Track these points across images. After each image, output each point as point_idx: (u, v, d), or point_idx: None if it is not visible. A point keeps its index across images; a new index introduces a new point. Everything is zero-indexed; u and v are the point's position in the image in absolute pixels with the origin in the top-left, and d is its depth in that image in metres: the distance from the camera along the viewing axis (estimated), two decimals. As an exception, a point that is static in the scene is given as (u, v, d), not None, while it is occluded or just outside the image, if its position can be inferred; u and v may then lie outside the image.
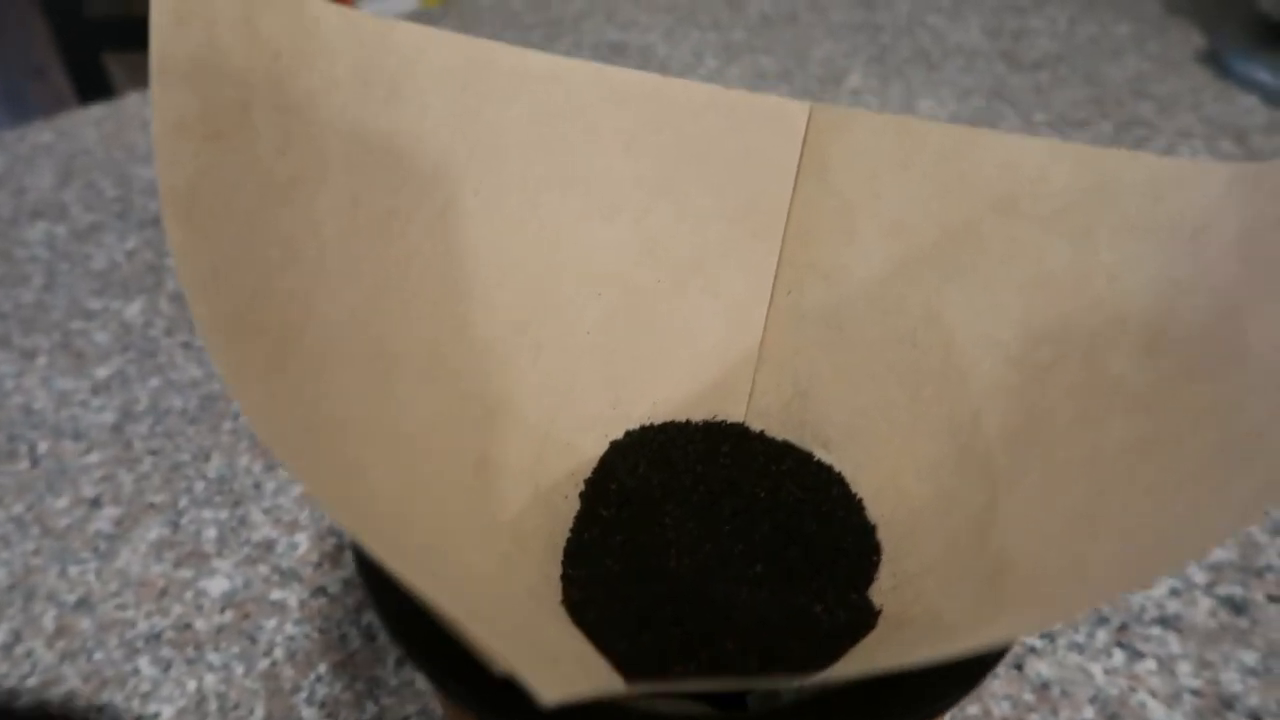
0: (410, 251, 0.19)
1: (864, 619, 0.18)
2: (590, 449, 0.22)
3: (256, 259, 0.16)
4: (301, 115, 0.18)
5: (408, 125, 0.18)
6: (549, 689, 0.13)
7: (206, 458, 0.44)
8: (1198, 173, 0.16)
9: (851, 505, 0.20)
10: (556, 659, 0.15)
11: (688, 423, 0.22)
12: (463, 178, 0.19)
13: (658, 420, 0.22)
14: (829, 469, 0.21)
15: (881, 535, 0.20)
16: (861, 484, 0.20)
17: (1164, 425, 0.14)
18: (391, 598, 0.16)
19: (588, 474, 0.21)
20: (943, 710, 0.15)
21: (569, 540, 0.20)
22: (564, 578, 0.19)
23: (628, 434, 0.22)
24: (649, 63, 0.75)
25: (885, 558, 0.19)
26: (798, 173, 0.21)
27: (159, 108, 0.16)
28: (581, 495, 0.21)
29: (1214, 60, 0.75)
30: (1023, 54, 0.77)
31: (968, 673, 0.15)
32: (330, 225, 0.18)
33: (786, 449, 0.21)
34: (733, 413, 0.23)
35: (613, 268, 0.21)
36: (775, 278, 0.21)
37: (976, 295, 0.19)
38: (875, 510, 0.20)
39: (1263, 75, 0.69)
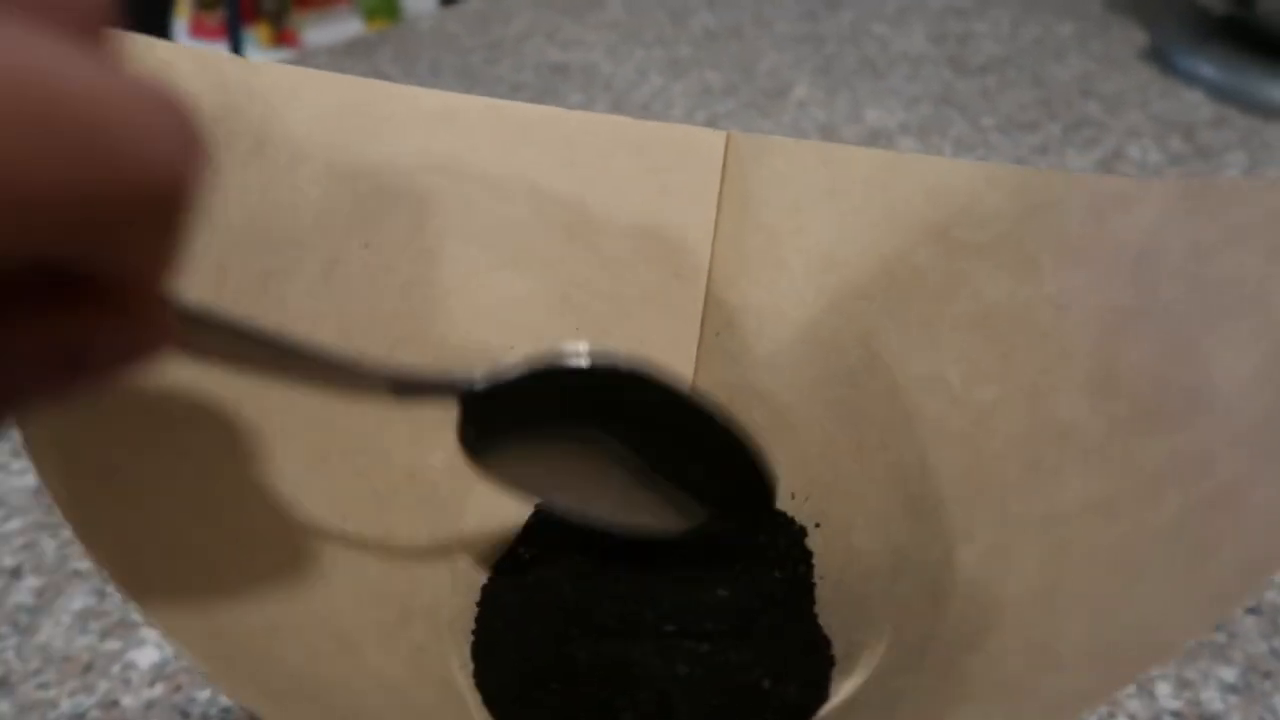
0: (289, 316, 0.17)
1: (816, 692, 0.17)
2: (515, 516, 0.20)
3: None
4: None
5: (277, 177, 0.17)
6: None
7: (135, 520, 0.41)
8: (1139, 191, 0.15)
9: (780, 518, 0.19)
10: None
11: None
12: (348, 231, 0.18)
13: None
14: (785, 520, 0.19)
15: (833, 598, 0.18)
16: (813, 541, 0.19)
17: (1123, 483, 0.13)
18: None
19: (512, 543, 0.20)
20: None
21: (478, 619, 0.18)
22: (478, 664, 0.18)
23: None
24: (593, 82, 0.74)
25: (838, 624, 0.18)
26: (719, 206, 0.19)
27: None
28: (495, 566, 0.19)
29: (1158, 57, 0.75)
30: (968, 58, 0.76)
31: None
32: (195, 293, 0.16)
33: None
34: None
35: (527, 319, 0.20)
36: (703, 320, 0.20)
37: (915, 331, 0.17)
38: (824, 568, 0.19)
39: (1206, 70, 0.69)
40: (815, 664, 0.17)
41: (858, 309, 0.18)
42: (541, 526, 0.20)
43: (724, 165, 0.20)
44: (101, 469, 0.13)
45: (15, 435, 0.45)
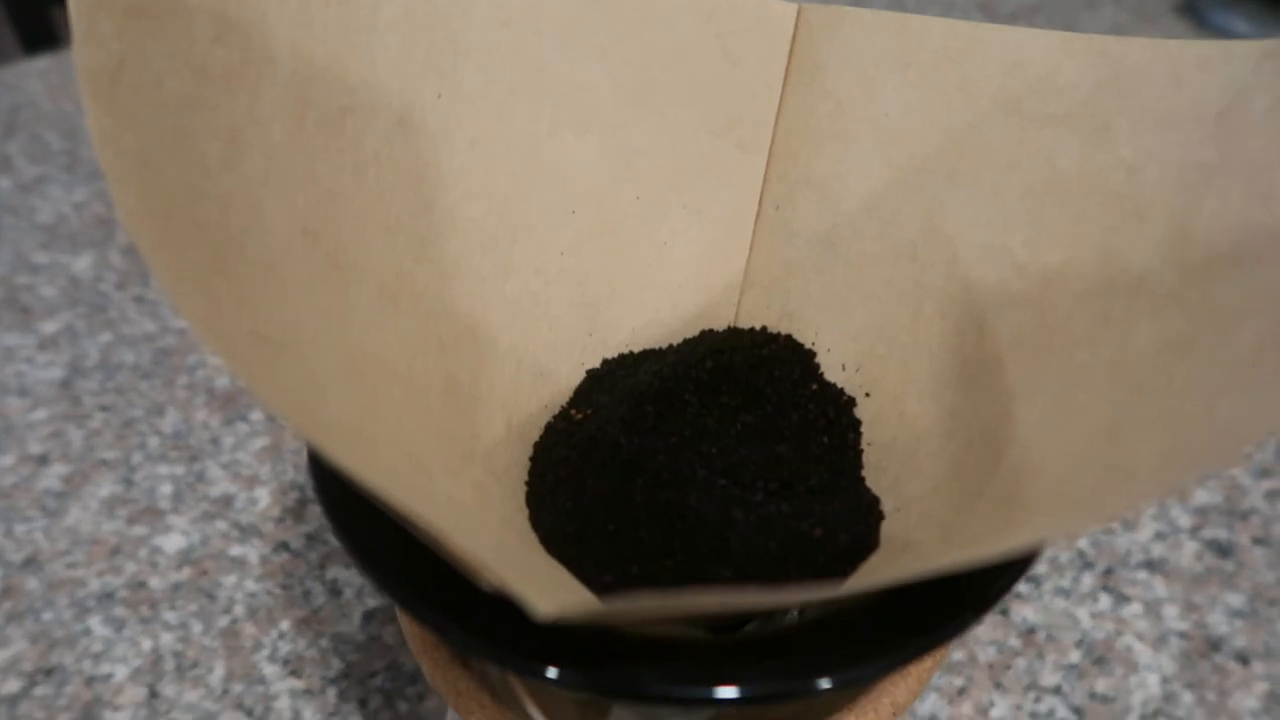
0: (367, 158, 0.17)
1: (865, 542, 0.17)
2: (566, 378, 0.20)
3: (194, 153, 0.14)
4: (241, 1, 0.16)
5: (358, 19, 0.17)
6: (543, 603, 0.11)
7: (161, 413, 0.42)
8: (1223, 53, 0.15)
9: (829, 388, 0.19)
10: (541, 580, 0.14)
11: (669, 348, 0.21)
12: (422, 82, 0.18)
13: (637, 348, 0.21)
14: (808, 353, 0.20)
15: (881, 460, 0.19)
16: (859, 409, 0.19)
17: (1200, 321, 0.13)
18: (352, 516, 0.14)
19: (563, 405, 0.20)
20: (953, 635, 0.14)
21: (531, 471, 0.19)
22: (533, 509, 0.18)
23: (605, 363, 0.21)
24: None
25: (888, 483, 0.18)
26: (786, 78, 0.19)
27: None
28: (547, 426, 0.19)
29: (1191, 11, 0.74)
30: (998, 6, 0.75)
31: (981, 593, 0.14)
32: (278, 124, 0.16)
33: (766, 338, 0.20)
34: (717, 340, 0.21)
35: (588, 185, 0.20)
36: (763, 193, 0.20)
37: (981, 203, 0.18)
38: (873, 434, 0.19)
39: (1240, 25, 0.69)
40: (864, 517, 0.17)
41: (922, 182, 0.18)
42: (594, 388, 0.20)
43: (794, 35, 0.20)
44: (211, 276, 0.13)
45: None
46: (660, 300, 0.21)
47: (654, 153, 0.20)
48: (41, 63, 0.69)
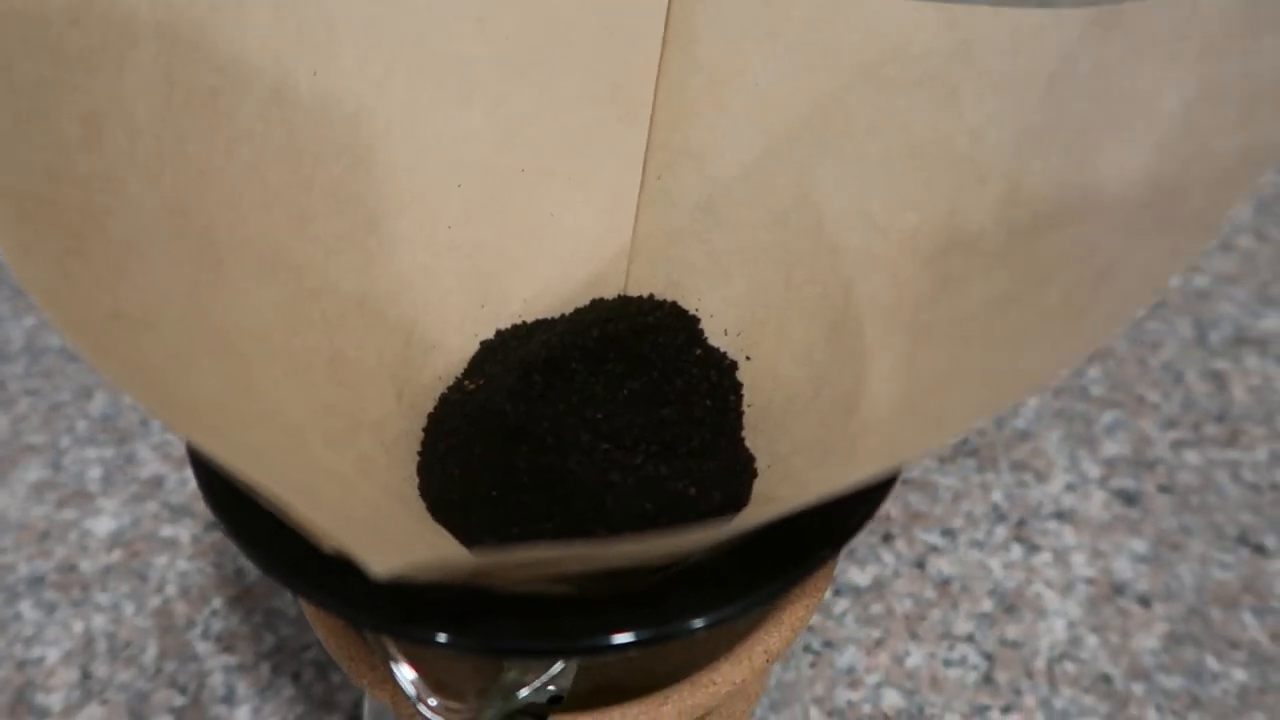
0: (239, 134, 0.17)
1: (737, 500, 0.18)
2: (460, 349, 0.21)
3: (50, 135, 0.15)
4: (100, -20, 0.16)
5: None
6: (380, 561, 0.12)
7: (89, 396, 0.41)
8: (1055, 19, 0.16)
9: (712, 353, 0.20)
10: (404, 544, 0.14)
11: (560, 318, 0.21)
12: (296, 58, 0.18)
13: (530, 318, 0.21)
14: (691, 319, 0.20)
15: (759, 421, 0.19)
16: (740, 372, 0.20)
17: (1021, 279, 0.14)
18: (230, 494, 0.15)
19: (457, 376, 0.21)
20: (798, 579, 0.15)
21: (424, 441, 0.19)
22: (422, 478, 0.18)
23: (498, 333, 0.21)
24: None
25: (763, 443, 0.19)
26: (663, 49, 0.20)
27: None
28: (441, 397, 0.20)
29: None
30: None
31: (825, 539, 0.15)
32: (142, 103, 0.16)
33: (652, 305, 0.20)
34: (607, 308, 0.22)
35: (473, 157, 0.20)
36: (645, 162, 0.21)
37: (845, 169, 0.18)
38: (753, 397, 0.20)
39: None
40: (738, 476, 0.18)
41: (792, 149, 0.19)
42: (487, 359, 0.21)
43: (669, 6, 0.20)
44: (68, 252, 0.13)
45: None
46: (551, 270, 0.21)
47: (538, 124, 0.20)
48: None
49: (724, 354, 0.20)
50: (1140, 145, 0.13)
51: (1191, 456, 0.39)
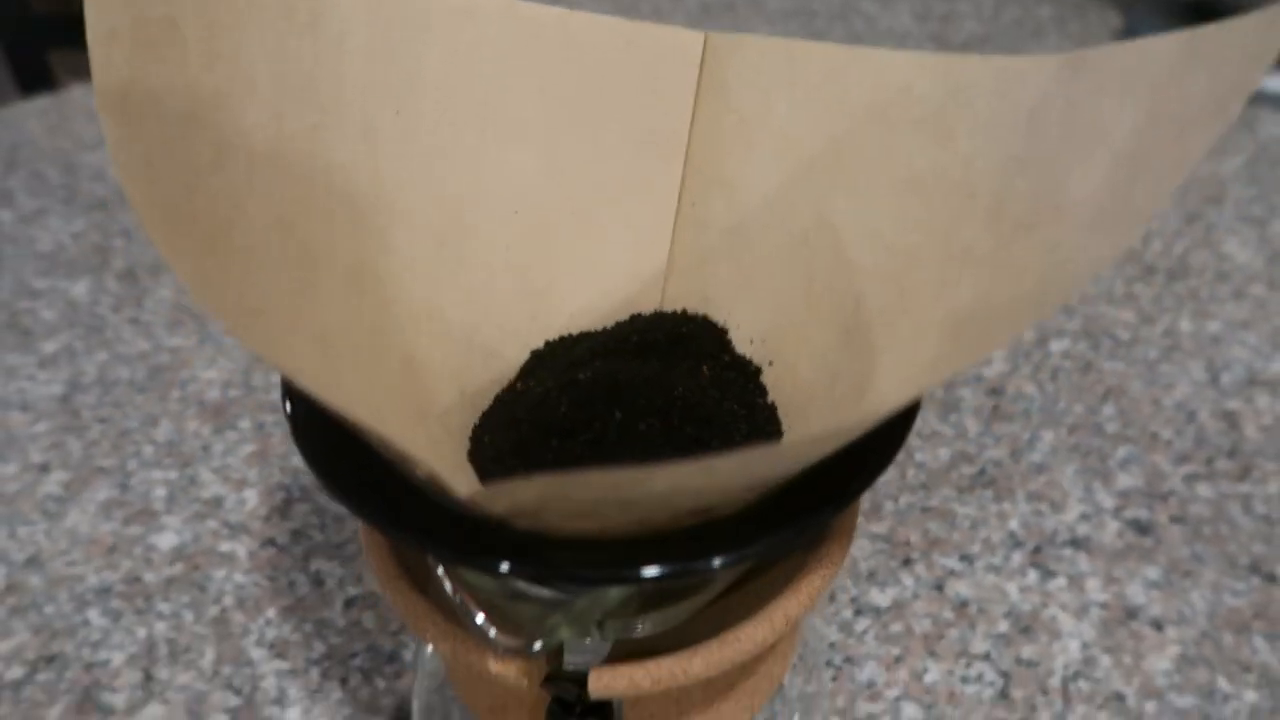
0: (334, 164, 0.20)
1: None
2: (512, 357, 0.23)
3: (189, 157, 0.17)
4: (228, 35, 0.19)
5: (327, 50, 0.20)
6: (465, 484, 0.14)
7: (155, 423, 0.44)
8: (1036, 65, 0.18)
9: (739, 359, 0.22)
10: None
11: (602, 330, 0.24)
12: (383, 101, 0.21)
13: (575, 331, 0.24)
14: (720, 330, 0.23)
15: (781, 419, 0.22)
16: (766, 377, 0.22)
17: (999, 276, 0.16)
18: (319, 441, 0.17)
19: (510, 380, 0.23)
20: (814, 526, 0.17)
21: (473, 434, 0.22)
22: (472, 443, 0.21)
23: (547, 344, 0.24)
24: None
25: (785, 437, 0.21)
26: (696, 95, 0.23)
27: (92, 20, 0.17)
28: (496, 398, 0.22)
29: (1131, 38, 0.78)
30: (950, 35, 0.79)
31: (838, 497, 0.17)
32: (258, 136, 0.19)
33: (686, 318, 0.23)
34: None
35: (528, 190, 0.23)
36: (680, 192, 0.23)
37: (858, 196, 0.21)
38: (775, 397, 0.22)
39: (1175, 51, 0.73)
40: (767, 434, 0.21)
41: (811, 180, 0.22)
42: (536, 366, 0.23)
43: (702, 59, 0.23)
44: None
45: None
46: (594, 288, 0.24)
47: (585, 162, 0.23)
48: (40, 103, 0.72)
49: (749, 360, 0.23)
50: (1099, 163, 0.16)
51: (1204, 489, 0.40)
